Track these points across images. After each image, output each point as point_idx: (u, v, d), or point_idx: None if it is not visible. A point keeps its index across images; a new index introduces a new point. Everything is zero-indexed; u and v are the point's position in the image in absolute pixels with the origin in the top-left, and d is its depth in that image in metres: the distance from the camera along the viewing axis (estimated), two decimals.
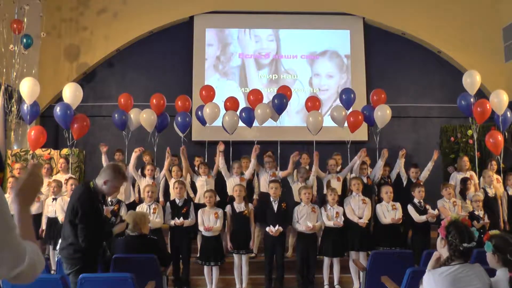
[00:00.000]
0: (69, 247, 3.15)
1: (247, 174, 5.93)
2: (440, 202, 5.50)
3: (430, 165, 6.14)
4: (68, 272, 3.13)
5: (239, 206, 5.13)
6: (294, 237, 5.66)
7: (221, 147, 5.76)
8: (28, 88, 6.28)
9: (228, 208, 5.18)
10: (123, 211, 5.14)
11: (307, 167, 6.42)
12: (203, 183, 5.91)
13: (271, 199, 5.19)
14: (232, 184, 5.66)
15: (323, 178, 6.09)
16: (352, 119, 6.98)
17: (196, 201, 5.84)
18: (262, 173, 6.13)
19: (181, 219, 5.05)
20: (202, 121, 7.17)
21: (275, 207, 5.13)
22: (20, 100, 7.17)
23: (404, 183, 6.14)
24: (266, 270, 5.06)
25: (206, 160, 6.80)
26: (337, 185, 5.95)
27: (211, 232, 4.96)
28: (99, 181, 3.19)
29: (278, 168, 6.51)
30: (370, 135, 8.39)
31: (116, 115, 6.98)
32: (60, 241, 3.31)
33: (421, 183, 5.69)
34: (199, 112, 7.18)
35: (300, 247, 5.11)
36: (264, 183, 5.95)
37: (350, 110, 7.18)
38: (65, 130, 6.37)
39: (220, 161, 5.82)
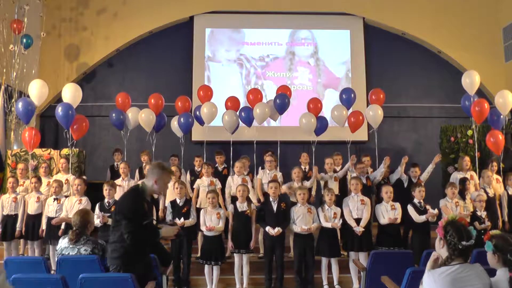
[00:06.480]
0: (110, 245, 3.18)
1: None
2: (443, 201, 5.50)
3: (430, 168, 6.12)
4: (111, 270, 3.17)
5: (242, 206, 5.14)
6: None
7: None
8: (36, 90, 6.21)
9: (230, 207, 5.19)
10: None
11: (307, 167, 6.42)
12: (205, 188, 5.81)
13: (270, 199, 5.18)
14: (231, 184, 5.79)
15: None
16: (353, 119, 6.97)
17: (197, 205, 5.76)
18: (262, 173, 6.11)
19: (182, 219, 5.05)
20: (201, 121, 7.17)
21: (275, 207, 5.12)
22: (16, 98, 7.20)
23: (405, 184, 6.12)
24: (266, 270, 5.06)
25: (205, 160, 6.79)
26: (334, 185, 5.97)
27: (212, 231, 4.96)
28: (149, 182, 3.24)
29: (278, 168, 6.50)
30: (370, 135, 8.39)
31: (113, 115, 6.97)
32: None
33: (422, 183, 5.68)
34: (197, 112, 7.18)
35: (297, 247, 5.09)
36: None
37: (351, 110, 7.17)
38: (65, 130, 6.35)
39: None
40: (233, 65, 9.17)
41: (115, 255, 3.12)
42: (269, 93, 7.53)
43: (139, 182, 3.37)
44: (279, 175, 6.05)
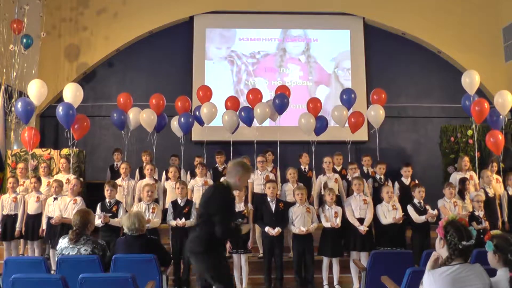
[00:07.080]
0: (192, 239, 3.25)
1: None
2: (441, 201, 5.50)
3: None
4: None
5: (239, 206, 5.12)
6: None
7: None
8: (35, 90, 6.19)
9: None
10: (121, 212, 5.12)
11: (307, 167, 6.41)
12: (199, 188, 5.87)
13: (268, 199, 5.17)
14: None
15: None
16: (353, 119, 6.97)
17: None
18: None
19: (183, 219, 5.05)
20: (200, 121, 7.16)
21: (273, 207, 5.12)
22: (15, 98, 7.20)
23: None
24: (266, 270, 5.05)
25: (205, 160, 6.79)
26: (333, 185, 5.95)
27: None
28: (231, 179, 3.31)
29: (278, 168, 6.50)
30: (370, 135, 8.39)
31: (115, 115, 6.97)
32: None
33: (420, 184, 5.67)
34: (197, 112, 7.18)
35: (296, 248, 5.08)
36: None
37: (351, 110, 7.17)
38: (66, 130, 6.35)
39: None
40: (223, 63, 9.17)
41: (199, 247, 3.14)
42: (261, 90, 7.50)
43: (222, 180, 3.44)
44: (271, 175, 6.03)
